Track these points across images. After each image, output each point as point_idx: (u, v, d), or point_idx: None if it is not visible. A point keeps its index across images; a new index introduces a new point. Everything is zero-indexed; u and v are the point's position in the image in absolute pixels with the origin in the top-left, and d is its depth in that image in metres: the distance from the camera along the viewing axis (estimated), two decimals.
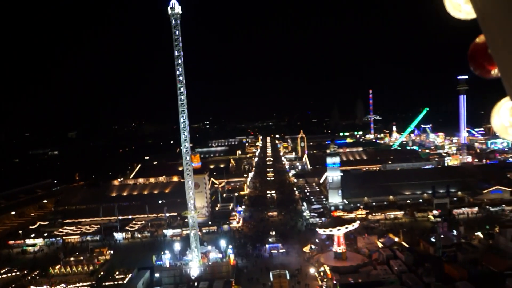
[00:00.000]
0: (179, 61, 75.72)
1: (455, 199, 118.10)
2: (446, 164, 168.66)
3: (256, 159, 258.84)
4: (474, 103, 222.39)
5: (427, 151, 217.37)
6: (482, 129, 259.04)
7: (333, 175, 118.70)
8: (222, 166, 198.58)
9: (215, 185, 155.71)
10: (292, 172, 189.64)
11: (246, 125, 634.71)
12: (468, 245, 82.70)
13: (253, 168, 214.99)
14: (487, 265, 71.26)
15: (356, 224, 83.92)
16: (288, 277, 73.21)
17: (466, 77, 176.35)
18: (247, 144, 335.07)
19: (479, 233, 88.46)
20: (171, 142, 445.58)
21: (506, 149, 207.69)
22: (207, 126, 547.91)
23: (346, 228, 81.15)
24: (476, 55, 3.80)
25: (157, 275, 77.13)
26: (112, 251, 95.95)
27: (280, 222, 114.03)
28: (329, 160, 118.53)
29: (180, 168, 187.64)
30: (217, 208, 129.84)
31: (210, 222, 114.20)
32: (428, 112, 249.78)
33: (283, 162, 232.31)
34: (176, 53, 75.55)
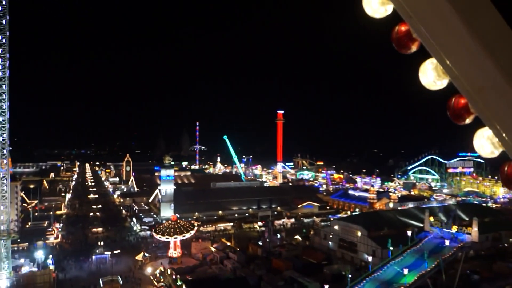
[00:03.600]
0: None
1: (275, 213, 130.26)
2: (266, 185, 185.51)
3: (74, 182, 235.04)
4: (288, 140, 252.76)
5: (249, 178, 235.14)
6: (292, 163, 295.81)
7: (166, 188, 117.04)
8: (32, 186, 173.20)
9: (25, 204, 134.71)
10: (118, 193, 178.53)
11: (59, 151, 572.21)
12: (290, 245, 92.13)
13: (71, 190, 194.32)
14: (307, 258, 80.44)
15: (193, 231, 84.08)
16: (120, 282, 67.76)
17: (283, 111, 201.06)
18: (62, 168, 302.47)
19: (297, 237, 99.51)
20: None
21: (311, 178, 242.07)
22: (10, 148, 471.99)
23: (184, 236, 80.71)
24: (401, 39, 5.57)
25: None
26: None
27: (108, 237, 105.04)
28: (163, 173, 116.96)
29: None
30: (27, 226, 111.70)
31: (19, 240, 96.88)
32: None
33: (106, 186, 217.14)
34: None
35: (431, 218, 71.56)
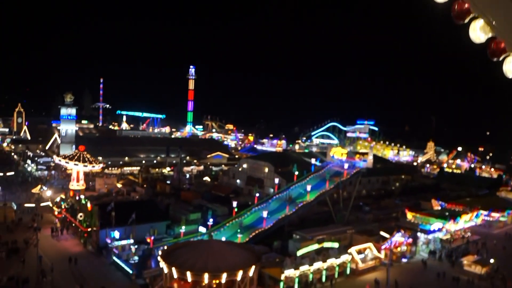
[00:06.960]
0: None
1: (185, 161, 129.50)
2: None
3: None
4: (198, 103, 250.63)
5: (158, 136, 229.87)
6: (202, 126, 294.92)
7: (67, 128, 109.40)
8: None
9: None
10: (8, 140, 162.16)
11: None
12: (199, 183, 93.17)
13: None
14: (216, 192, 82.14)
15: (100, 165, 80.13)
16: (15, 208, 62.63)
17: (194, 67, 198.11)
18: None
19: (207, 178, 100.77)
20: None
21: (220, 139, 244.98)
22: None
23: (88, 166, 76.46)
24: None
25: None
26: None
27: None
28: (64, 111, 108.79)
29: None
30: None
31: None
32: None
33: None
34: None
35: (332, 152, 76.71)
